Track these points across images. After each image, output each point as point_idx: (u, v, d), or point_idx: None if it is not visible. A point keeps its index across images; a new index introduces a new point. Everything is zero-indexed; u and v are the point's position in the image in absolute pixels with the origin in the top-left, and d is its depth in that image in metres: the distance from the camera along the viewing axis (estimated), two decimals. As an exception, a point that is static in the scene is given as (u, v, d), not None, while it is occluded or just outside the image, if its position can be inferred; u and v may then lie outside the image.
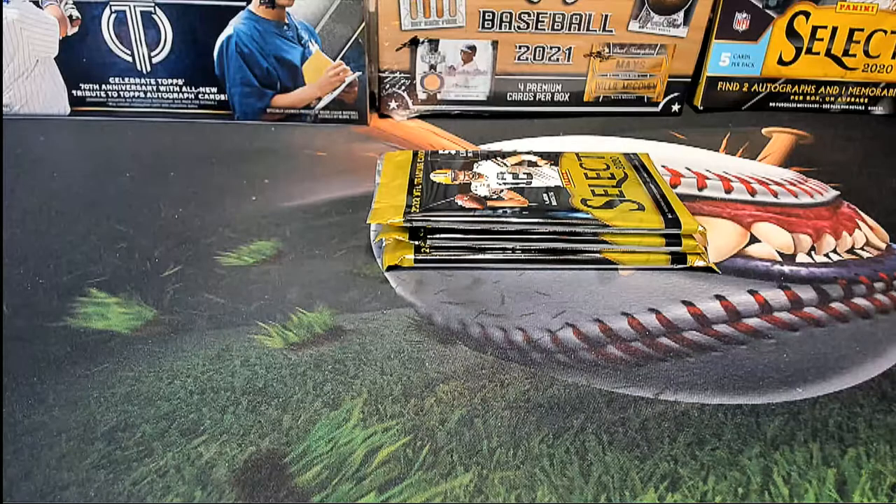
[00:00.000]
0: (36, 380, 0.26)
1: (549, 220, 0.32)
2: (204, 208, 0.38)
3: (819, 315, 0.31)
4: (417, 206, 0.33)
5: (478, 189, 0.34)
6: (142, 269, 0.33)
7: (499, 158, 0.38)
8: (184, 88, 0.48)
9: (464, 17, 0.47)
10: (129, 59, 0.47)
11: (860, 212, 0.39)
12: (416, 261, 0.32)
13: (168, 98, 0.49)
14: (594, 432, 0.24)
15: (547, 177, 0.36)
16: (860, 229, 0.36)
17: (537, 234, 0.32)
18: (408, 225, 0.32)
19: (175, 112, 0.49)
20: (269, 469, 0.23)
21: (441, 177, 0.36)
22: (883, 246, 0.36)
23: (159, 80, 0.48)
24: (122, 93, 0.48)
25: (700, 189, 0.40)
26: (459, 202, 0.33)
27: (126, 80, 0.48)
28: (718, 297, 0.31)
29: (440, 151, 0.39)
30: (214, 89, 0.48)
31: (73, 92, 0.48)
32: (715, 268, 0.33)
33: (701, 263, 0.33)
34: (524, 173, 0.36)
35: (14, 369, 0.26)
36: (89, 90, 0.48)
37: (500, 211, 0.32)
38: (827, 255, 0.34)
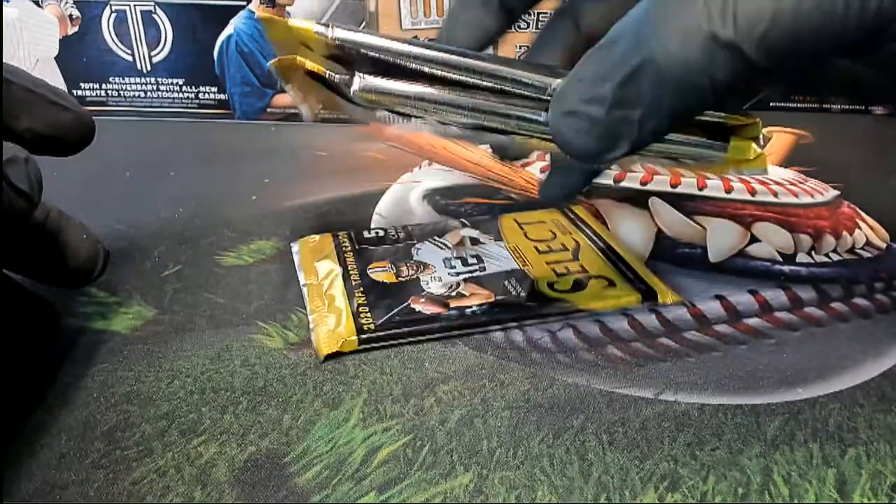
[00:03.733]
0: (36, 379, 0.26)
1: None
2: (204, 208, 0.38)
3: (819, 315, 0.30)
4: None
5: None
6: (142, 268, 0.33)
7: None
8: (184, 88, 0.48)
9: (464, 17, 0.47)
10: (130, 58, 0.47)
11: (860, 211, 0.38)
12: (360, 341, 0.27)
13: (168, 97, 0.49)
14: (594, 432, 0.24)
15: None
16: (860, 229, 0.36)
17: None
18: (322, 39, 0.21)
19: (175, 112, 0.49)
20: (268, 469, 0.23)
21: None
22: (883, 246, 0.36)
23: (159, 80, 0.48)
24: (122, 92, 0.49)
25: (700, 189, 0.40)
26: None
27: (126, 79, 0.48)
28: (718, 297, 0.31)
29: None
30: (214, 89, 0.48)
31: (73, 91, 0.48)
32: (685, 301, 0.30)
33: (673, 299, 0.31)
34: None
35: (14, 369, 0.26)
36: (89, 89, 0.48)
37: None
38: (827, 255, 0.34)
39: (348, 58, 0.21)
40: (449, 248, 0.33)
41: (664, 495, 0.22)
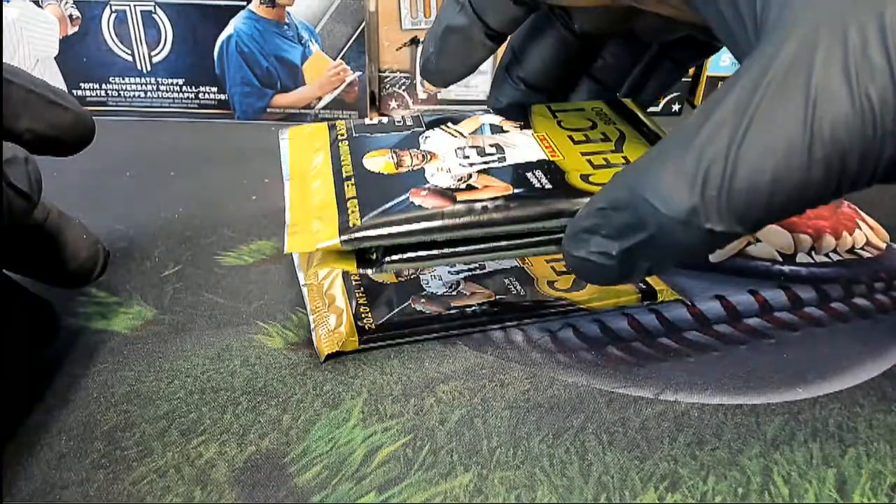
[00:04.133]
0: (36, 379, 0.26)
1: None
2: (204, 208, 0.38)
3: (819, 315, 0.30)
4: (356, 212, 0.23)
5: (435, 177, 0.24)
6: (142, 269, 0.33)
7: (450, 125, 0.28)
8: (184, 88, 0.48)
9: (464, 17, 0.47)
10: (130, 58, 0.47)
11: (860, 212, 0.38)
12: (361, 341, 0.27)
13: (168, 98, 0.49)
14: (594, 432, 0.24)
15: (522, 146, 0.26)
16: (860, 229, 0.36)
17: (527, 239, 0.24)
18: (348, 248, 0.22)
19: (175, 112, 0.49)
20: (268, 469, 0.23)
21: (378, 162, 0.25)
22: (883, 246, 0.36)
23: (159, 80, 0.48)
24: (122, 92, 0.48)
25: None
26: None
27: (126, 79, 0.48)
28: (718, 297, 0.31)
29: (366, 121, 0.29)
30: (214, 89, 0.48)
31: (74, 91, 0.48)
32: (683, 299, 0.31)
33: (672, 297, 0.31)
34: (491, 145, 0.26)
35: (14, 369, 0.26)
36: (89, 89, 0.48)
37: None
38: (827, 255, 0.34)
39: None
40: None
41: (664, 495, 0.22)
